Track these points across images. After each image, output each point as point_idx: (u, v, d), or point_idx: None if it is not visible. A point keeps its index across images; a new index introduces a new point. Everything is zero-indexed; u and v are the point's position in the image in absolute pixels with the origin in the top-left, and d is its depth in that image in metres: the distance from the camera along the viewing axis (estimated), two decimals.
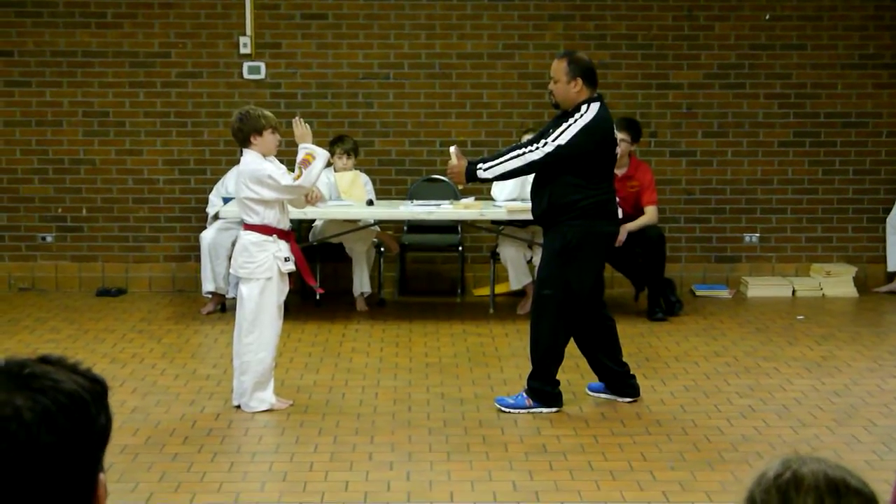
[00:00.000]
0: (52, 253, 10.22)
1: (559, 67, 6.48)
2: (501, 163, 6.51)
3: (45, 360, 1.65)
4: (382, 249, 9.71)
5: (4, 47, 10.03)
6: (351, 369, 7.51)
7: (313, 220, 9.42)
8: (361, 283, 9.43)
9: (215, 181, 9.80)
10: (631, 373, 6.83)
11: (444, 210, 8.98)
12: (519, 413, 6.50)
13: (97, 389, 1.65)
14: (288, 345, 8.10)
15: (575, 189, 6.41)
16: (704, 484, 5.41)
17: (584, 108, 6.43)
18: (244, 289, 6.58)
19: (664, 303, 9.12)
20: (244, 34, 10.03)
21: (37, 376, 1.60)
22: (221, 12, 10.04)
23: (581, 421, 6.43)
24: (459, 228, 9.97)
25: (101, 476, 1.64)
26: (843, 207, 10.35)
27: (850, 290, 10.01)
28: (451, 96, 10.17)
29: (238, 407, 6.56)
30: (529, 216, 7.17)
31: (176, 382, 7.17)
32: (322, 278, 9.67)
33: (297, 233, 9.86)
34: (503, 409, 6.55)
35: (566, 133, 6.38)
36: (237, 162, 9.71)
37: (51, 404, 1.57)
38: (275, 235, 6.54)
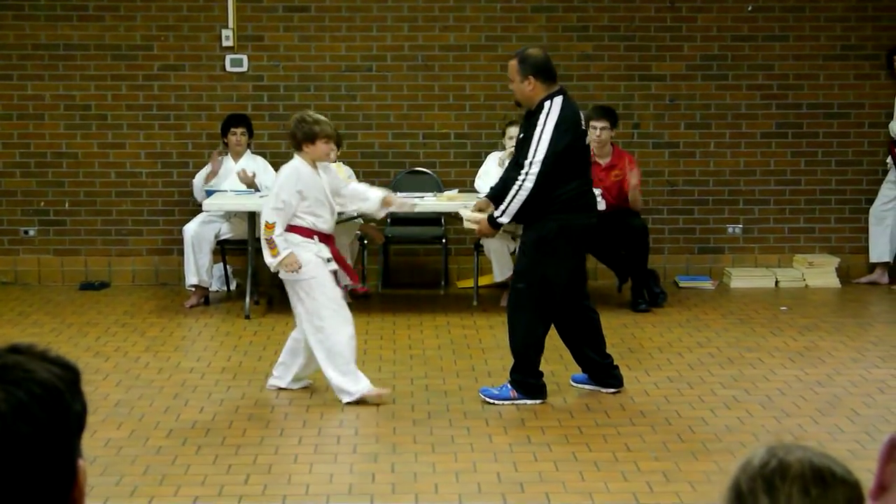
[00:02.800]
0: (35, 247, 10.19)
1: (512, 67, 6.46)
2: (510, 203, 6.45)
3: (14, 349, 1.64)
4: (366, 242, 9.70)
5: None
6: None
7: None
8: (345, 276, 9.39)
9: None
10: (614, 364, 6.84)
11: (427, 202, 8.97)
12: (503, 404, 6.51)
13: (70, 376, 1.64)
14: (272, 337, 8.10)
15: (553, 183, 6.39)
16: (688, 474, 5.43)
17: (547, 105, 6.38)
18: (292, 293, 6.56)
19: (647, 294, 9.13)
20: (226, 27, 10.00)
21: (9, 368, 1.59)
22: (203, 5, 10.01)
23: (565, 412, 6.43)
24: (443, 221, 9.97)
25: (81, 462, 1.64)
26: (825, 198, 10.37)
27: (832, 281, 10.04)
28: (433, 88, 10.16)
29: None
30: None
31: (159, 376, 7.15)
32: None
33: None
34: (488, 400, 6.55)
35: (540, 147, 6.33)
36: (219, 155, 9.77)
37: (25, 396, 1.57)
38: (316, 237, 6.54)
